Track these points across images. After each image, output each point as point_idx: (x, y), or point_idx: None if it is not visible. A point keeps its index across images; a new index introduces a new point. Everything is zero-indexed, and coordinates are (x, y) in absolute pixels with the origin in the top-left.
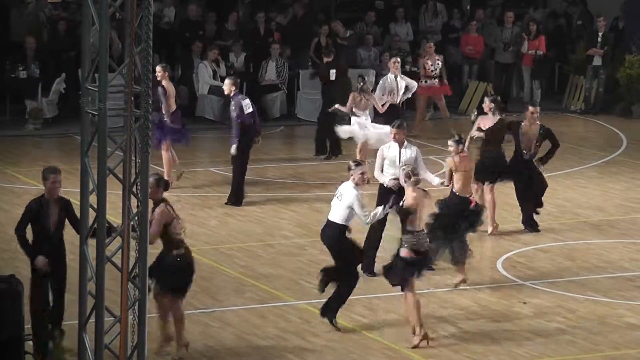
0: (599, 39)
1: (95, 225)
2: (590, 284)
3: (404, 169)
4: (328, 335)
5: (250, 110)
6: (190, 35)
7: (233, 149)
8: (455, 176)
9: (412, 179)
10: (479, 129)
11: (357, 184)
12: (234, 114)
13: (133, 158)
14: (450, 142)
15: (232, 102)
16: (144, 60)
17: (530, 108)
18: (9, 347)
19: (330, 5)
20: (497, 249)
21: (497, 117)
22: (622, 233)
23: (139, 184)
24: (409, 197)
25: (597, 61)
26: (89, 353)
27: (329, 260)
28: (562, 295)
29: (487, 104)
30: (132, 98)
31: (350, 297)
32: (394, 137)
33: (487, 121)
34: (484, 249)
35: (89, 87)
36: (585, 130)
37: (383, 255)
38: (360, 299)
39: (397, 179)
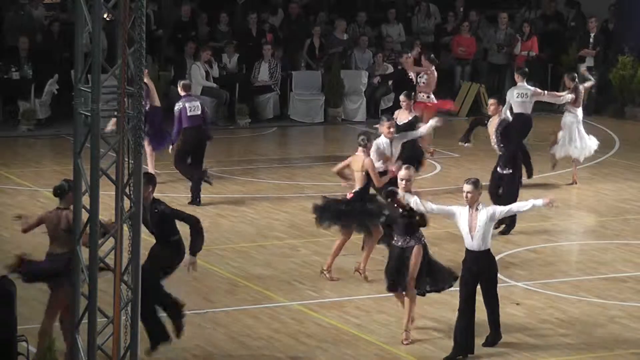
0: (591, 40)
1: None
2: (582, 285)
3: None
4: (320, 336)
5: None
6: (183, 36)
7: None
8: (357, 175)
9: None
10: None
11: None
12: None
13: (126, 159)
14: (360, 140)
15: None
16: (137, 61)
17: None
18: (1, 348)
19: (324, 6)
20: None
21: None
22: (615, 234)
23: (131, 184)
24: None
25: (590, 62)
26: (82, 354)
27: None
28: (555, 296)
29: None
30: (125, 99)
31: (343, 298)
32: (387, 133)
33: None
34: None
35: (82, 88)
36: None
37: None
38: (353, 299)
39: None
